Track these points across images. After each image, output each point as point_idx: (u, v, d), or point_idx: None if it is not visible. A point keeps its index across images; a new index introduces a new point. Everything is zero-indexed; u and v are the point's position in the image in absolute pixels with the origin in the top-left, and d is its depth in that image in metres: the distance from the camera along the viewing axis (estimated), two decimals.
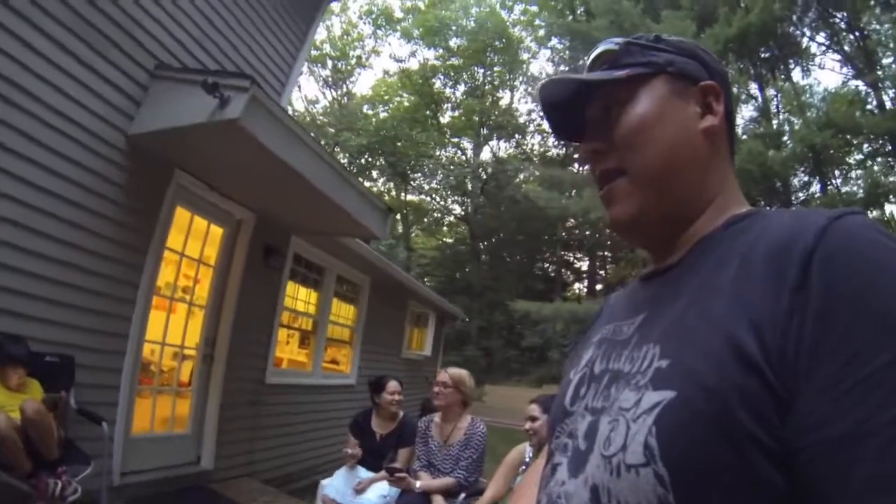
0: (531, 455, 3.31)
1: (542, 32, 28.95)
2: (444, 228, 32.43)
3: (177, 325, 4.53)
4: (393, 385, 4.18)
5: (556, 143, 30.33)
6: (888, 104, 16.07)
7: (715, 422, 0.52)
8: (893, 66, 16.32)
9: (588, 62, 0.85)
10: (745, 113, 20.24)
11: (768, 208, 0.78)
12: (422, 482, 3.57)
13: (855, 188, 17.03)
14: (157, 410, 4.34)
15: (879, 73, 16.09)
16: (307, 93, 34.95)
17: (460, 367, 4.28)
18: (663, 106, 0.77)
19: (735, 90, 18.16)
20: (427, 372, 11.46)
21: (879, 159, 16.45)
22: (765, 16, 17.20)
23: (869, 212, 15.71)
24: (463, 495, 3.54)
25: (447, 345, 14.63)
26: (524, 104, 32.05)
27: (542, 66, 48.54)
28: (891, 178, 14.68)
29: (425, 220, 31.00)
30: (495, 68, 30.36)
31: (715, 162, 0.79)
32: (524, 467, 3.28)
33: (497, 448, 3.87)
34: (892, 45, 15.70)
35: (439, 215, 32.02)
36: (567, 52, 27.40)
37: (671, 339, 0.63)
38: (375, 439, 4.09)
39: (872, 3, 16.49)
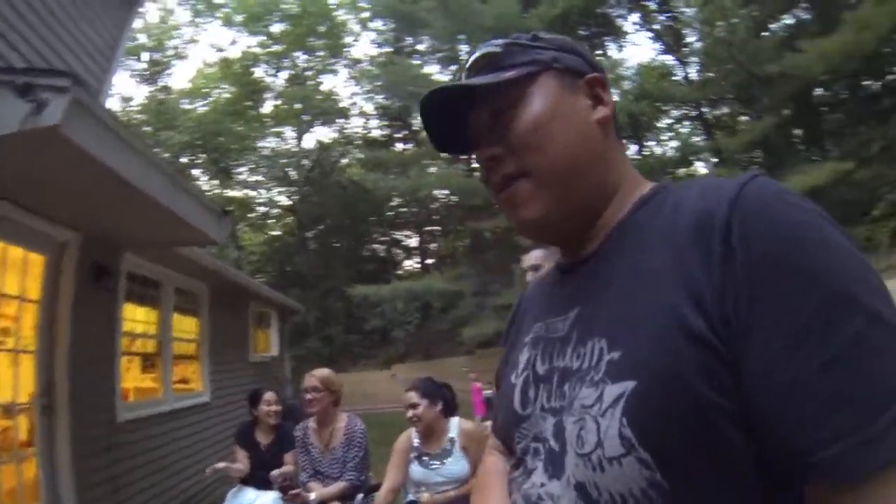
0: (419, 440, 3.34)
1: (365, 14, 28.50)
2: (271, 221, 31.21)
3: (2, 377, 3.83)
4: (269, 396, 4.26)
5: (378, 124, 30.27)
6: (693, 76, 18.29)
7: (680, 399, 0.56)
8: (696, 43, 18.62)
9: (467, 67, 0.83)
10: None
11: (669, 182, 0.80)
12: (316, 493, 3.50)
13: (668, 150, 19.01)
14: (2, 484, 3.64)
15: (685, 49, 18.32)
16: (121, 89, 31.35)
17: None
18: (556, 102, 0.77)
19: None
20: (277, 373, 11.05)
21: (687, 123, 18.70)
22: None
23: (679, 169, 17.63)
24: (360, 496, 3.53)
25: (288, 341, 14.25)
26: (346, 88, 31.51)
27: (365, 48, 47.88)
28: (697, 140, 16.73)
29: (251, 215, 29.50)
30: (318, 53, 29.42)
31: (611, 150, 0.81)
32: (415, 453, 3.32)
33: (370, 434, 3.88)
34: (696, 25, 17.69)
35: (265, 209, 30.76)
36: (392, 34, 27.28)
37: (616, 330, 0.65)
38: (261, 449, 4.17)
39: None
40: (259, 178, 29.37)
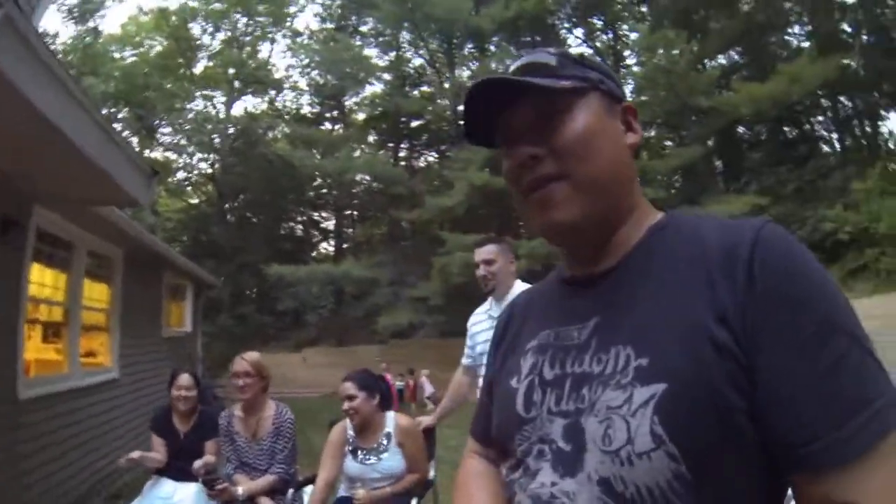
0: (353, 433, 3.21)
1: None
2: (189, 189, 29.55)
3: None
4: (183, 379, 3.82)
5: (310, 100, 29.31)
6: (629, 96, 19.13)
7: (707, 398, 0.65)
8: (635, 67, 19.32)
9: (514, 68, 0.86)
10: None
11: (677, 212, 0.87)
12: (243, 487, 3.23)
13: None
14: None
15: (624, 70, 18.89)
16: (46, 24, 28.53)
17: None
18: (601, 119, 0.82)
19: (495, 66, 19.67)
20: (190, 349, 10.43)
21: None
22: (539, 6, 18.67)
23: None
24: (291, 491, 3.36)
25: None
26: (283, 59, 30.21)
27: (308, 20, 46.19)
28: None
29: (170, 179, 27.76)
30: (259, 18, 27.90)
31: (635, 175, 0.87)
32: (349, 447, 3.19)
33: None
34: (637, 49, 18.24)
35: (186, 174, 29.09)
36: (338, 10, 26.45)
37: (643, 339, 0.71)
38: (180, 438, 3.76)
39: (626, 14, 19.13)
40: (182, 141, 27.70)
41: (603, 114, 0.83)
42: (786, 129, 18.58)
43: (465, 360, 3.40)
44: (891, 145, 18.69)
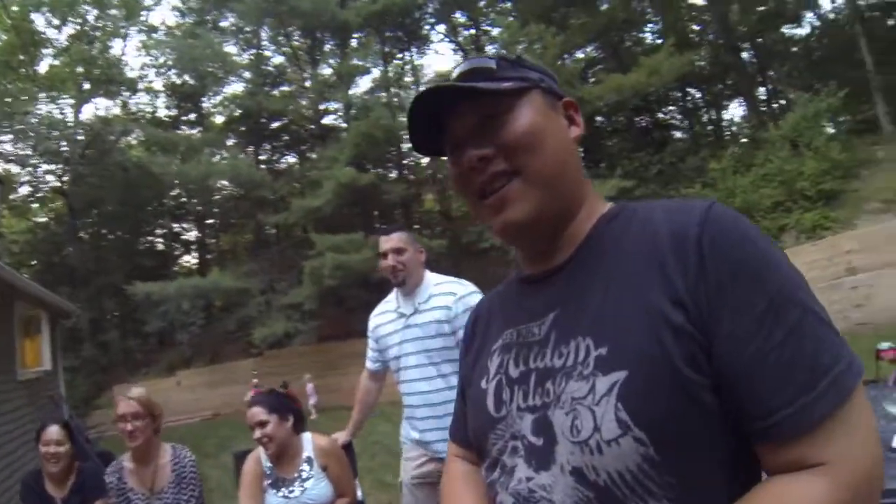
0: (270, 464, 2.95)
1: None
2: (36, 206, 26.91)
3: None
4: (51, 433, 3.23)
5: (166, 102, 27.80)
6: None
7: (668, 380, 0.71)
8: None
9: (455, 76, 0.90)
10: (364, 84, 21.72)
11: (629, 204, 0.92)
12: None
13: None
14: None
15: None
16: None
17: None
18: (545, 115, 0.88)
19: (359, 62, 19.68)
20: (52, 390, 9.58)
21: None
22: (407, 0, 18.87)
23: None
24: None
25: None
26: (137, 58, 27.89)
27: (164, 15, 43.53)
28: None
29: (14, 196, 24.68)
30: (110, 11, 25.44)
31: (581, 167, 0.93)
32: (268, 479, 2.94)
33: None
34: (501, 44, 18.90)
35: (31, 189, 26.25)
36: (197, 3, 25.24)
37: (601, 329, 0.77)
38: None
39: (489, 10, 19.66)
40: (25, 150, 24.67)
41: (546, 110, 0.88)
42: (641, 118, 20.15)
43: (370, 365, 3.15)
44: (734, 129, 21.50)
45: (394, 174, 22.16)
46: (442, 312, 2.73)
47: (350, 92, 20.09)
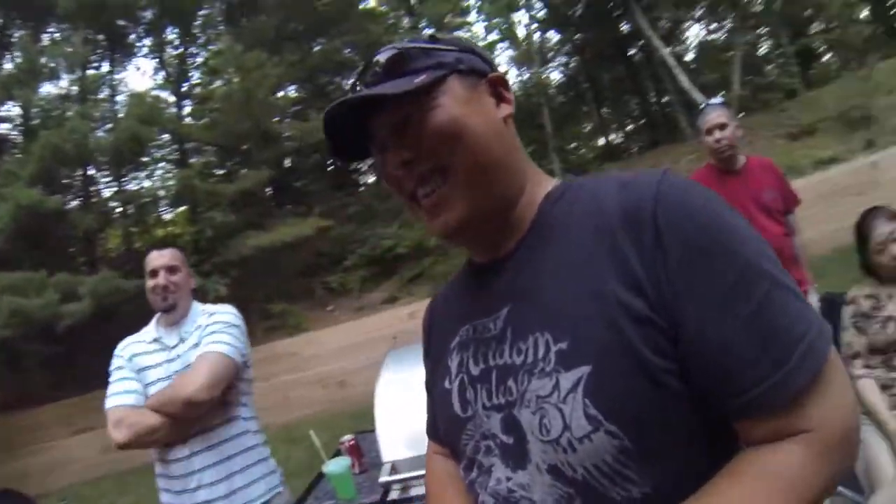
0: None
1: None
2: None
3: None
4: None
5: None
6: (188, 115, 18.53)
7: (634, 370, 0.69)
8: (196, 89, 19.04)
9: (363, 72, 0.85)
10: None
11: (575, 179, 0.89)
12: None
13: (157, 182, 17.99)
14: None
15: (185, 87, 18.47)
16: None
17: None
18: (465, 102, 0.82)
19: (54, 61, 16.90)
20: None
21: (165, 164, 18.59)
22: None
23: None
24: None
25: None
26: None
27: None
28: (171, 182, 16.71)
29: None
30: None
31: (516, 147, 0.88)
32: None
33: None
34: (200, 72, 18.10)
35: None
36: None
37: (559, 322, 0.74)
38: None
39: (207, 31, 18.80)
40: None
41: (466, 96, 0.83)
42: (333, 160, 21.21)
43: (131, 400, 2.28)
44: None
45: (77, 202, 19.03)
46: (196, 335, 2.38)
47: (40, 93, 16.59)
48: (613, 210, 0.75)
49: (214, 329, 2.34)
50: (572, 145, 22.28)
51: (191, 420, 2.20)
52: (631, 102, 24.22)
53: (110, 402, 2.27)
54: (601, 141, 23.81)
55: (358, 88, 0.84)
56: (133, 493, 7.92)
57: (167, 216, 18.73)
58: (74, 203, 16.31)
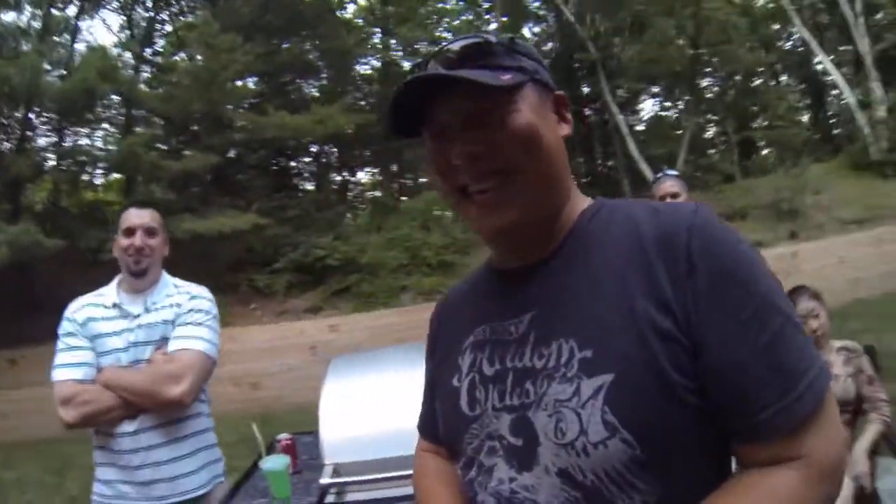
0: None
1: None
2: None
3: None
4: None
5: None
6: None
7: (655, 384, 0.72)
8: (159, 58, 18.55)
9: (449, 54, 0.83)
10: None
11: (607, 199, 0.93)
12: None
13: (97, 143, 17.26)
14: None
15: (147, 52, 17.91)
16: None
17: None
18: (540, 113, 0.84)
19: None
20: None
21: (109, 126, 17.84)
22: None
23: None
24: None
25: None
26: None
27: None
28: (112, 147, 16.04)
29: None
30: None
31: (568, 165, 0.91)
32: None
33: None
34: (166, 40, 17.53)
35: None
36: None
37: (586, 331, 0.78)
38: None
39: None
40: None
41: (539, 107, 0.85)
42: (277, 160, 20.68)
43: (80, 374, 2.13)
44: (361, 190, 23.55)
45: (11, 144, 17.63)
46: (171, 311, 2.26)
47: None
48: (649, 233, 0.79)
49: (197, 319, 2.26)
50: None
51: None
52: (576, 159, 25.05)
53: (58, 375, 2.12)
54: None
55: (431, 69, 0.84)
56: (19, 468, 7.20)
57: (98, 181, 18.11)
58: (8, 145, 15.51)
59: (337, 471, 2.04)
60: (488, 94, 0.80)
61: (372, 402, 2.24)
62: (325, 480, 1.97)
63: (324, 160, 22.43)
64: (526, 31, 21.83)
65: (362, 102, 21.10)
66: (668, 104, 23.33)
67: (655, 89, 22.03)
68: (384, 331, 10.48)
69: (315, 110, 17.17)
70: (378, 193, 22.09)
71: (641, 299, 0.76)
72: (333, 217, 17.33)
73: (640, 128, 22.92)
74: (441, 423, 0.99)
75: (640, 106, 24.21)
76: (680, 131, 19.69)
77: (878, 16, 18.33)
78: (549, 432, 0.77)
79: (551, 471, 0.78)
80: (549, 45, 22.27)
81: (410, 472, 1.15)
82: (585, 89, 21.91)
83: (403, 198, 19.40)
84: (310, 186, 21.83)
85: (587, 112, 22.71)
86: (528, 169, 0.82)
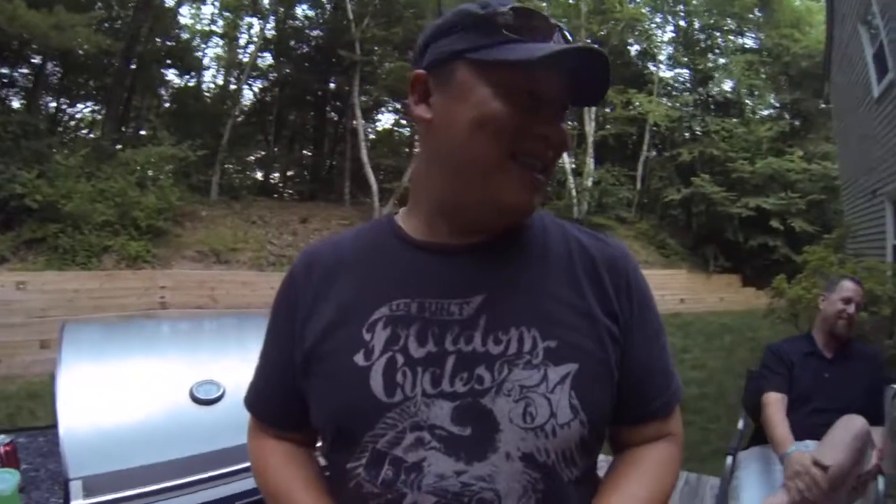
0: None
1: None
2: None
3: None
4: None
5: None
6: None
7: (606, 377, 0.88)
8: None
9: (585, 53, 0.80)
10: None
11: (541, 211, 0.96)
12: None
13: None
14: None
15: None
16: None
17: None
18: None
19: None
20: None
21: None
22: None
23: None
24: None
25: None
26: None
27: None
28: None
29: None
30: None
31: None
32: None
33: None
34: None
35: None
36: None
37: (548, 324, 0.85)
38: None
39: None
40: None
41: None
42: None
43: None
44: (80, 128, 20.45)
45: None
46: None
47: None
48: (598, 255, 0.93)
49: None
50: (232, 165, 21.69)
51: None
52: (304, 152, 24.93)
53: None
54: (259, 175, 23.95)
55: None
56: None
57: None
58: None
59: (88, 487, 1.52)
60: (586, 94, 0.87)
61: (134, 387, 1.80)
62: (76, 502, 1.48)
63: (43, 78, 18.62)
64: (298, 11, 21.74)
65: (112, 23, 18.56)
66: (403, 121, 24.03)
67: (398, 105, 22.60)
68: (80, 296, 9.81)
69: (58, 12, 13.87)
70: (95, 135, 19.19)
71: (596, 308, 0.88)
72: (42, 150, 14.23)
73: (372, 136, 23.86)
74: (326, 409, 0.87)
75: (380, 116, 25.05)
76: (409, 149, 20.80)
77: (607, 109, 21.71)
78: (514, 417, 0.78)
79: (514, 456, 0.78)
80: (316, 32, 22.30)
81: (197, 477, 1.03)
82: (332, 86, 22.28)
83: (120, 147, 16.78)
84: (17, 104, 17.93)
85: (327, 108, 23.31)
86: (552, 170, 0.90)
